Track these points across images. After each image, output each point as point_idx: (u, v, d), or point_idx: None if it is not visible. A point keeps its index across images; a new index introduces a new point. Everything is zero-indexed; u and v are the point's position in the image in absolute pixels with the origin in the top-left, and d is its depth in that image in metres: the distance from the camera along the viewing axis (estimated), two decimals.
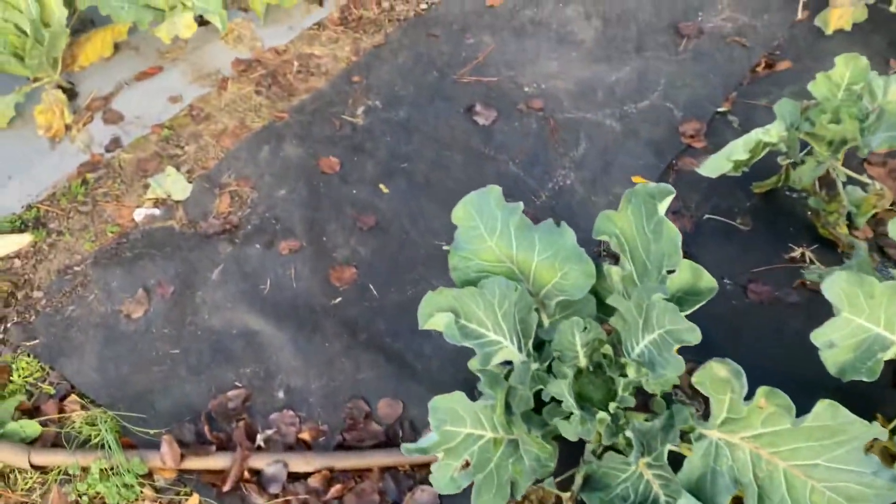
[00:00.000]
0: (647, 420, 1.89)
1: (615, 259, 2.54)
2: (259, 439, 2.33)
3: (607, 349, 1.94)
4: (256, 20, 3.91)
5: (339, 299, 2.73)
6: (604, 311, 2.06)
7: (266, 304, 2.70)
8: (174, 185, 3.15)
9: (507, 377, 1.99)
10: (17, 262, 2.91)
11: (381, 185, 3.10)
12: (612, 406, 1.87)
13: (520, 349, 1.96)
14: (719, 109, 3.26)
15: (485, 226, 2.11)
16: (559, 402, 1.93)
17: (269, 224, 2.98)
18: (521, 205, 2.11)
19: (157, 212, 3.10)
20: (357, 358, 2.54)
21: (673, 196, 1.94)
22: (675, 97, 3.34)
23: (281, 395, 2.46)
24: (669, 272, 1.89)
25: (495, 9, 3.94)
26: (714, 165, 2.67)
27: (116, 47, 3.74)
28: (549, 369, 2.00)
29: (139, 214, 3.09)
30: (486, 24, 3.84)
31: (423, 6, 4.02)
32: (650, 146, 3.13)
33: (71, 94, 3.57)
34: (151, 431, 2.36)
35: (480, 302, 1.91)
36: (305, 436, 2.36)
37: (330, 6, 4.03)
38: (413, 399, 2.43)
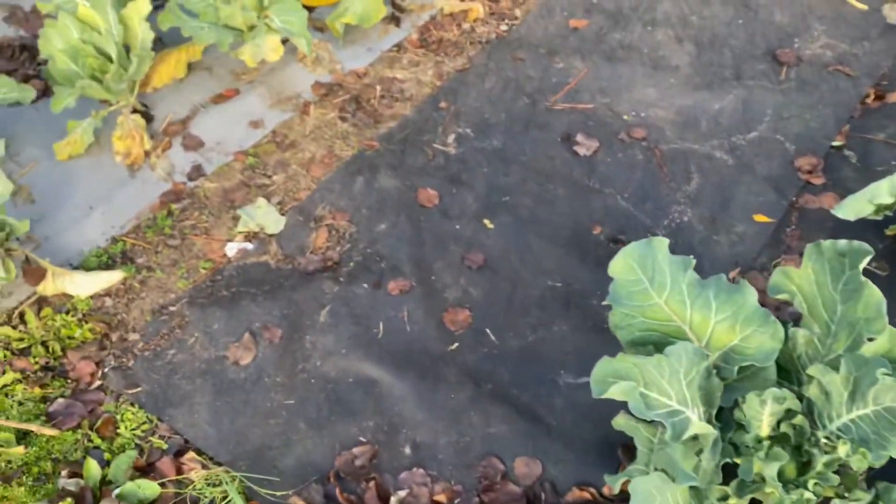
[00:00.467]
0: (846, 498, 1.75)
1: None
2: (393, 501, 2.19)
3: (799, 420, 1.80)
4: (334, 41, 3.77)
5: (455, 345, 2.58)
6: (782, 376, 1.93)
7: (381, 350, 2.56)
8: (266, 217, 3.00)
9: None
10: (109, 301, 2.76)
11: (486, 221, 2.96)
12: (811, 484, 1.73)
13: (702, 419, 1.82)
14: (834, 144, 3.14)
15: (650, 281, 1.97)
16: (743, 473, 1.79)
17: (374, 261, 2.84)
18: (692, 260, 1.97)
19: (249, 246, 2.95)
20: (485, 411, 2.40)
21: (871, 256, 1.81)
22: (784, 129, 3.21)
23: (408, 451, 2.32)
24: (869, 339, 1.76)
25: (580, 31, 3.80)
26: (853, 208, 2.54)
27: (189, 67, 3.59)
28: (729, 439, 1.86)
29: (231, 249, 2.94)
30: (574, 48, 3.70)
31: (504, 27, 3.88)
32: (768, 182, 3.00)
33: (146, 117, 3.42)
34: (278, 493, 2.21)
35: (666, 369, 1.77)
36: (440, 497, 2.22)
37: (408, 27, 3.89)
38: (550, 458, 2.29)
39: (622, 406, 2.07)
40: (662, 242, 2.00)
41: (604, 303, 2.04)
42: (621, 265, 2.03)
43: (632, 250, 2.02)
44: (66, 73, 3.14)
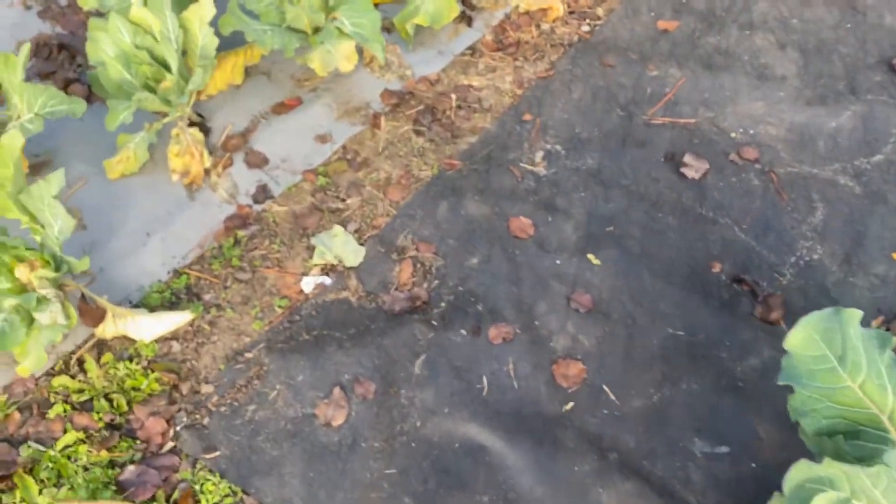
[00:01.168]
0: None
1: None
2: None
3: None
4: (402, 43, 3.44)
5: (570, 404, 2.30)
6: None
7: (488, 410, 2.28)
8: (344, 247, 2.71)
9: None
10: (176, 346, 2.47)
11: (590, 256, 2.66)
12: None
13: None
14: None
15: (840, 360, 1.68)
16: None
17: (468, 302, 2.55)
18: (891, 337, 1.68)
19: (327, 281, 2.66)
20: (615, 486, 2.12)
21: None
22: None
23: None
24: None
25: (671, 34, 3.47)
26: None
27: (246, 72, 3.27)
28: None
29: (307, 284, 2.65)
30: (666, 53, 3.38)
31: (586, 28, 3.55)
32: None
33: (203, 129, 3.11)
34: None
35: (885, 480, 1.49)
36: None
37: (480, 26, 3.56)
38: None
39: (775, 485, 1.80)
40: (854, 315, 1.71)
41: (779, 382, 1.75)
42: (801, 338, 1.74)
43: (814, 322, 1.73)
44: (119, 82, 2.82)
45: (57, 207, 2.26)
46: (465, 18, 3.56)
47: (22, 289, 2.35)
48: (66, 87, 3.32)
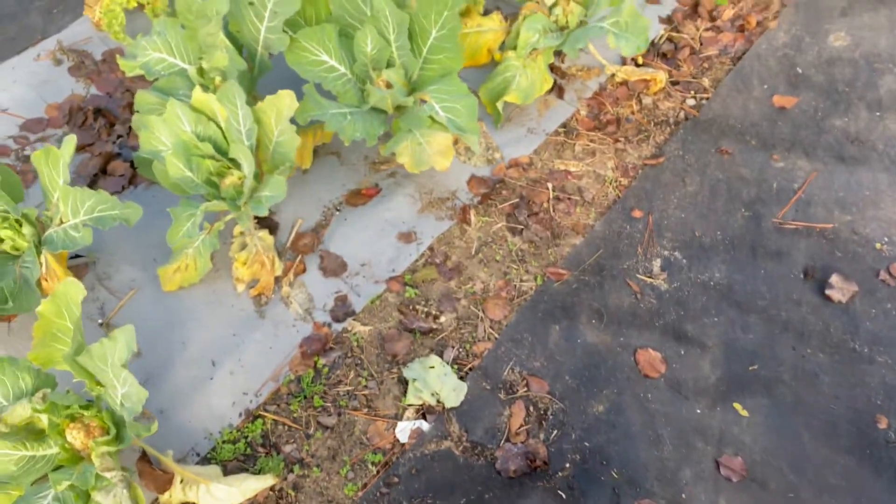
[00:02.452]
0: None
1: None
2: None
3: None
4: (486, 118, 3.04)
5: None
6: None
7: None
8: (442, 383, 2.32)
9: None
10: None
11: (736, 404, 2.28)
12: None
13: None
14: None
15: None
16: None
17: (598, 464, 2.16)
18: None
19: (424, 425, 2.27)
20: None
21: None
22: None
23: None
24: None
25: (790, 113, 3.07)
26: None
27: (314, 152, 2.86)
28: None
29: (403, 431, 2.26)
30: (789, 138, 2.98)
31: (692, 103, 3.14)
32: None
33: (269, 225, 2.71)
34: None
35: None
36: None
37: (572, 98, 3.15)
38: None
39: None
40: None
41: None
42: None
43: None
44: (178, 180, 2.40)
45: (125, 374, 1.85)
46: (556, 89, 3.15)
47: (75, 456, 1.95)
48: (105, 163, 2.90)
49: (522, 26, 2.92)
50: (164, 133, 2.44)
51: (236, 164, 2.46)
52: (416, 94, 2.68)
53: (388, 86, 2.67)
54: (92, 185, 2.84)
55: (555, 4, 2.99)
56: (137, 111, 2.72)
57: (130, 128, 3.02)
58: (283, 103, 2.36)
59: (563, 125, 3.06)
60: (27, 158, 2.94)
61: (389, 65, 2.71)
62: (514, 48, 3.00)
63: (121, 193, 2.82)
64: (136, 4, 3.17)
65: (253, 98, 2.62)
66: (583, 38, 2.81)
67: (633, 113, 3.10)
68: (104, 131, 3.02)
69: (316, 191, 2.81)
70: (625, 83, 3.18)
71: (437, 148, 2.58)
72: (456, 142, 2.91)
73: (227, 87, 2.33)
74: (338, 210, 2.77)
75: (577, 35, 2.87)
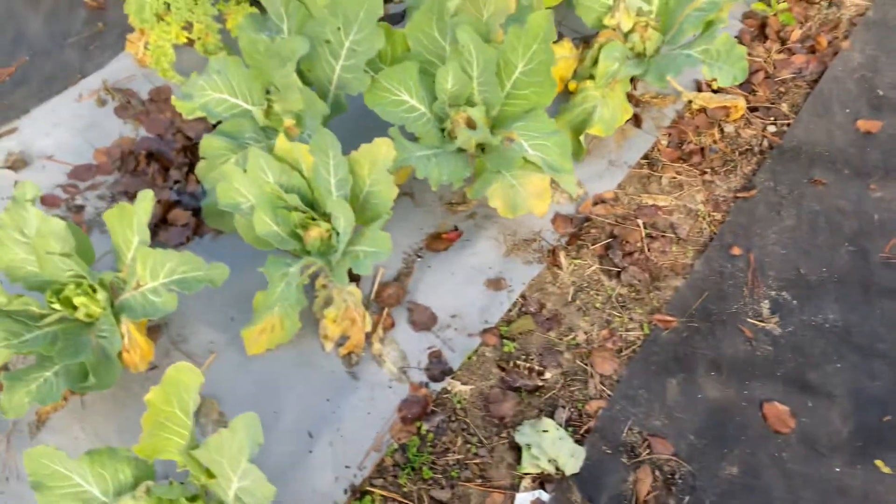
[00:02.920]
0: None
1: None
2: None
3: None
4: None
5: None
6: None
7: None
8: (558, 448, 2.15)
9: None
10: None
11: (878, 462, 2.13)
12: None
13: None
14: None
15: None
16: None
17: None
18: None
19: (544, 496, 2.10)
20: None
21: None
22: None
23: None
24: None
25: (877, 138, 2.95)
26: None
27: None
28: None
29: (522, 503, 2.09)
30: (880, 165, 2.85)
31: (774, 129, 3.01)
32: None
33: (351, 276, 2.53)
34: None
35: None
36: None
37: (650, 127, 3.01)
38: None
39: None
40: None
41: None
42: None
43: None
44: (266, 235, 2.22)
45: (246, 466, 1.66)
46: (633, 118, 3.01)
47: None
48: (165, 213, 2.71)
49: (601, 55, 2.77)
50: (245, 185, 2.26)
51: (324, 216, 2.28)
52: (500, 132, 2.52)
53: (470, 123, 2.52)
54: (153, 236, 2.65)
55: (631, 31, 2.85)
56: (203, 157, 2.55)
57: (188, 172, 2.83)
58: (379, 152, 2.19)
59: (646, 156, 2.92)
60: (78, 209, 2.75)
61: (469, 101, 2.55)
62: (591, 77, 2.85)
63: (186, 245, 2.64)
64: (185, 40, 2.99)
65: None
66: (671, 67, 2.66)
67: (715, 142, 2.96)
68: (159, 177, 2.83)
69: (394, 236, 2.60)
70: (703, 110, 3.04)
71: (533, 190, 2.42)
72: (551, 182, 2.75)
73: (321, 136, 2.16)
74: (419, 256, 2.61)
75: (661, 64, 2.73)
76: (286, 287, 2.13)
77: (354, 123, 2.56)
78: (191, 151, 2.89)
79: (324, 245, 2.27)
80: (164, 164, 2.87)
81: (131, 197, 2.77)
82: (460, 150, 2.52)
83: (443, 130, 2.55)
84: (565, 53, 2.94)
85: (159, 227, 2.68)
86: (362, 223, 2.29)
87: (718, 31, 2.66)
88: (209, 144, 2.52)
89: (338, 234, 2.24)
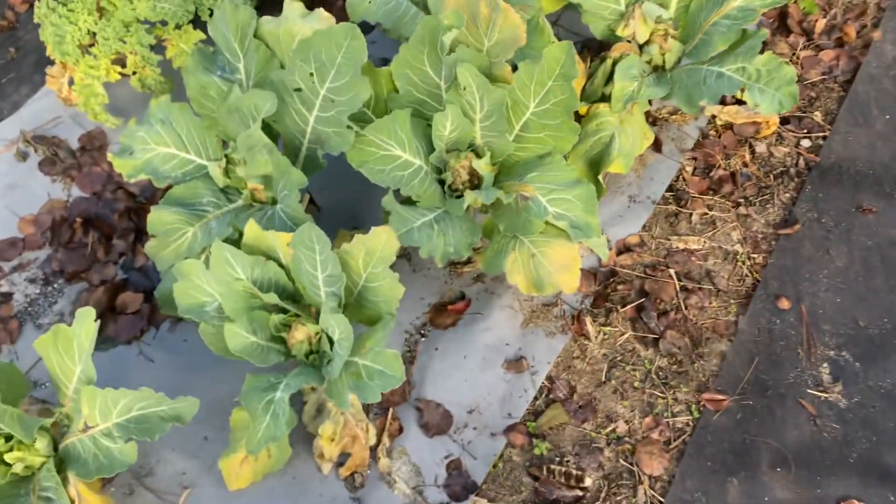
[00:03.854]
0: None
1: None
2: None
3: None
4: None
5: None
6: None
7: None
8: None
9: None
10: None
11: None
12: None
13: None
14: None
15: None
16: None
17: None
18: None
19: None
20: None
21: None
22: None
23: None
24: None
25: None
26: None
27: None
28: None
29: None
30: None
31: (808, 144, 2.64)
32: None
33: None
34: None
35: None
36: None
37: (671, 150, 2.61)
38: None
39: None
40: None
41: None
42: None
43: None
44: (242, 351, 1.80)
45: None
46: (652, 140, 2.61)
47: None
48: (111, 298, 2.26)
49: (616, 73, 2.35)
50: (209, 283, 1.82)
51: (308, 315, 1.86)
52: (510, 184, 2.11)
53: (472, 173, 2.10)
54: (100, 330, 2.19)
55: (648, 42, 2.43)
56: (153, 235, 2.09)
57: (135, 241, 2.36)
58: (376, 243, 1.77)
59: (671, 188, 2.53)
60: (5, 298, 2.28)
61: (472, 147, 2.14)
62: (602, 98, 2.44)
63: (140, 340, 2.20)
64: (118, 77, 2.47)
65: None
66: (704, 91, 2.25)
67: (746, 164, 2.58)
68: (100, 249, 2.36)
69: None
70: (730, 126, 2.65)
71: (559, 261, 2.02)
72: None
73: (303, 230, 1.72)
74: (423, 335, 2.21)
75: (689, 83, 2.31)
76: (272, 420, 1.72)
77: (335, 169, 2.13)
78: (136, 213, 2.42)
79: (313, 350, 1.86)
80: (105, 232, 2.40)
81: (69, 278, 2.32)
82: (466, 209, 2.11)
83: (442, 183, 2.14)
84: None
85: (107, 316, 2.23)
86: (360, 321, 1.88)
87: (755, 43, 2.26)
88: (158, 219, 2.07)
89: (330, 340, 1.82)
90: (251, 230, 1.82)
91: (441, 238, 2.00)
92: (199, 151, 2.17)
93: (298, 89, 1.98)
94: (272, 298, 1.82)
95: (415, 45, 2.05)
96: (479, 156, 2.14)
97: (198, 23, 2.55)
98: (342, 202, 2.46)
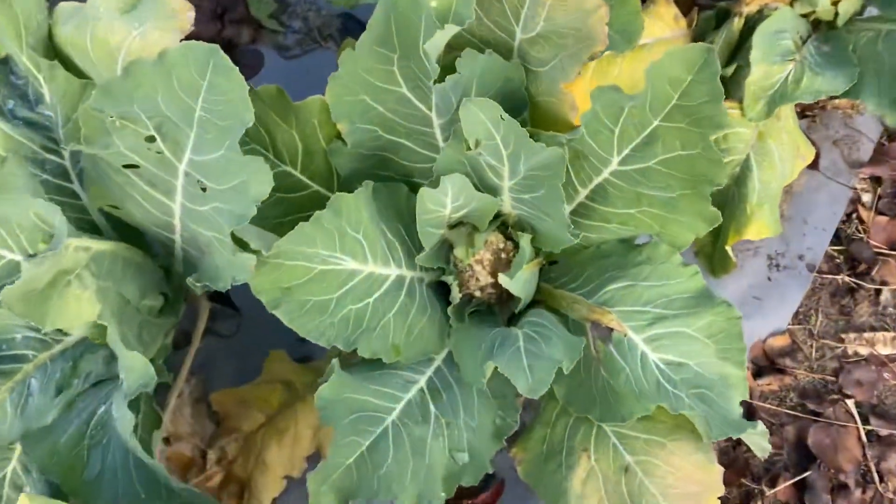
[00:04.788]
0: None
1: None
2: None
3: None
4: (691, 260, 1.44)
5: None
6: None
7: None
8: None
9: None
10: None
11: None
12: None
13: None
14: None
15: None
16: None
17: None
18: None
19: None
20: None
21: None
22: None
23: None
24: None
25: None
26: None
27: None
28: None
29: None
30: None
31: None
32: None
33: None
34: None
35: None
36: None
37: (834, 162, 1.53)
38: None
39: None
40: None
41: None
42: None
43: None
44: None
45: None
46: (812, 160, 1.53)
47: None
48: None
49: (756, 44, 1.27)
50: None
51: None
52: (566, 302, 1.09)
53: (493, 274, 1.10)
54: None
55: None
56: None
57: None
58: None
59: (836, 237, 1.48)
60: None
61: (499, 218, 1.12)
62: (729, 95, 1.35)
63: None
64: None
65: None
66: None
67: (882, 241, 1.50)
68: None
69: None
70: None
71: (681, 488, 1.01)
72: None
73: None
74: None
75: (892, 61, 1.23)
76: None
77: None
78: None
79: None
80: None
81: None
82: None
83: (440, 297, 1.13)
84: (665, 30, 1.41)
85: None
86: None
87: None
88: None
89: None
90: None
91: (439, 440, 1.01)
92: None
93: (132, 166, 0.95)
94: None
95: (370, 47, 0.99)
96: (509, 231, 1.12)
97: None
98: None
